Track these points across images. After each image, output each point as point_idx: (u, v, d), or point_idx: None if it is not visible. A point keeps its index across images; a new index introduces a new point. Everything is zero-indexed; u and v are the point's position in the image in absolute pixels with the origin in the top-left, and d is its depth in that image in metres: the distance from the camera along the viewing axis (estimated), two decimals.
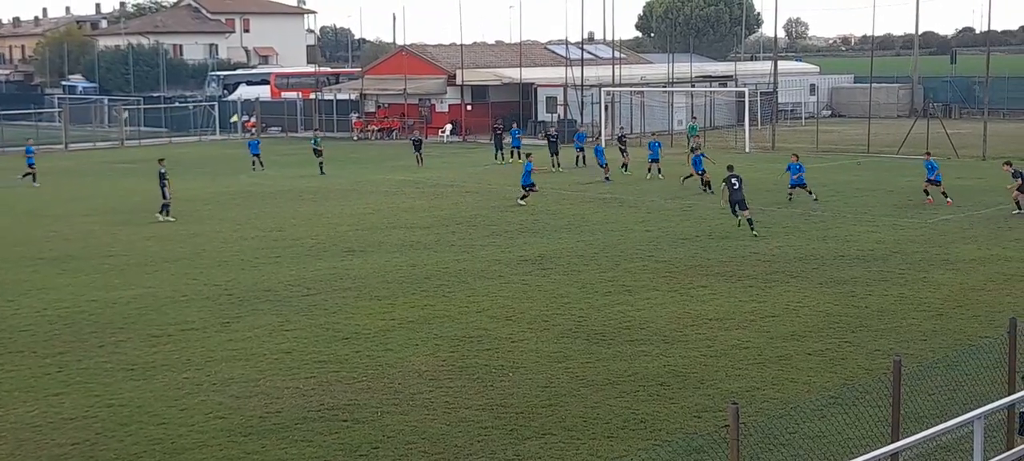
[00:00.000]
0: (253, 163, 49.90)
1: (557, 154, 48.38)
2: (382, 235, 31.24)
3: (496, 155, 52.90)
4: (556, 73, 70.80)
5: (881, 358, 17.61)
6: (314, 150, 49.88)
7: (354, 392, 16.53)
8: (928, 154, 37.37)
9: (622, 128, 58.10)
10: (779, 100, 68.18)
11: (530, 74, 71.27)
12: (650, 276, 24.73)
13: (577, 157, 49.72)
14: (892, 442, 11.31)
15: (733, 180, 30.41)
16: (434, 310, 21.77)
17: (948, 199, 34.67)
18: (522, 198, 36.17)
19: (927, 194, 34.97)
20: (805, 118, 73.98)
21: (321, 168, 48.31)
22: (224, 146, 65.97)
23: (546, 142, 50.74)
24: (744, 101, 59.26)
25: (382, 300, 22.72)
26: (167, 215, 34.43)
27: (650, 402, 15.88)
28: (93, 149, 66.55)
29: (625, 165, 46.43)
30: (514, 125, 56.26)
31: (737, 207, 30.27)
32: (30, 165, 46.59)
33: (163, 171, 35.10)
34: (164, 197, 34.72)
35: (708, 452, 13.44)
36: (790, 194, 35.97)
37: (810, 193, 35.40)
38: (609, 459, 13.77)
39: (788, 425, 14.51)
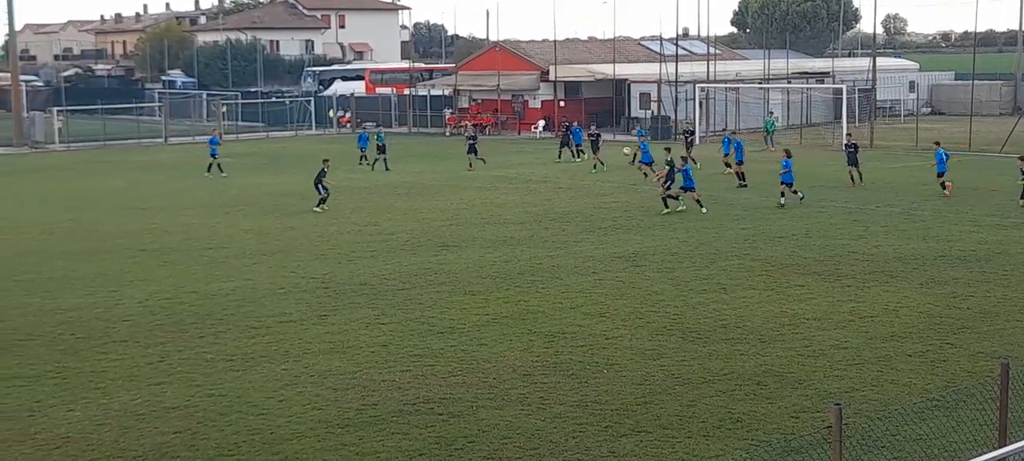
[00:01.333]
0: (361, 159, 49.97)
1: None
2: (476, 230, 31.35)
3: (560, 154, 52.16)
4: (650, 69, 70.43)
5: (984, 360, 17.24)
6: (378, 146, 49.64)
7: (449, 386, 16.61)
8: (937, 143, 38.29)
9: (688, 123, 57.85)
10: (877, 97, 67.05)
11: (623, 70, 70.99)
12: (746, 274, 24.49)
13: (576, 150, 50.78)
14: (1000, 447, 11.05)
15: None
16: (528, 306, 21.78)
17: (946, 190, 36.01)
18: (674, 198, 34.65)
19: (944, 186, 36.18)
20: (904, 116, 72.67)
21: (386, 164, 48.27)
22: (319, 141, 66.69)
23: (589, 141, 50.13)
24: (842, 98, 58.42)
25: (476, 295, 22.80)
26: (323, 207, 35.44)
27: (747, 401, 15.72)
28: (192, 143, 67.70)
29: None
30: (575, 123, 55.79)
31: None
32: (213, 156, 47.17)
33: (325, 169, 36.32)
34: (320, 191, 35.75)
35: (807, 453, 13.25)
36: (943, 184, 36.34)
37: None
38: (705, 458, 13.66)
39: (889, 427, 14.26)
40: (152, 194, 41.34)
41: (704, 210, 33.25)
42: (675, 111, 64.88)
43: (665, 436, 14.39)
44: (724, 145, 45.36)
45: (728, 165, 43.03)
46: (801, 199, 34.91)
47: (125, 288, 23.94)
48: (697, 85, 63.59)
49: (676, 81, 65.72)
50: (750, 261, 26.01)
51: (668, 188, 34.62)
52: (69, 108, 73.62)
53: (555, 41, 74.45)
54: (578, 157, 51.01)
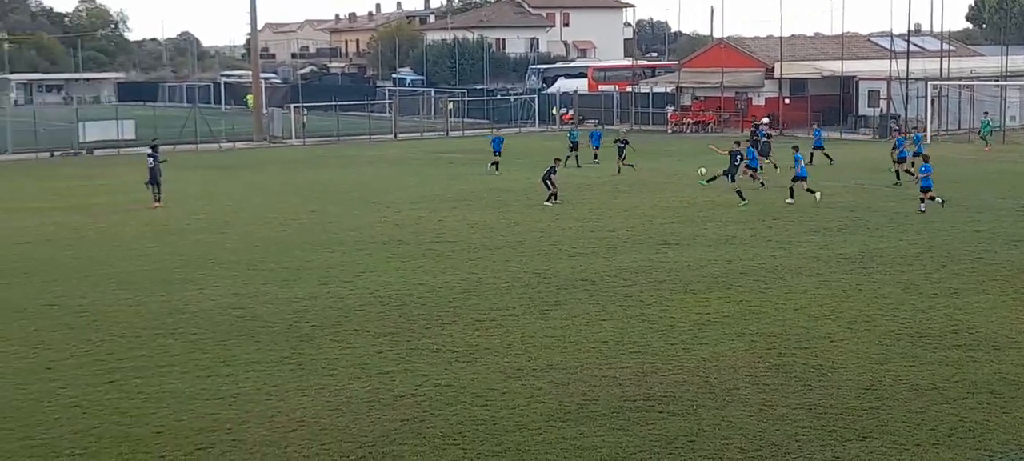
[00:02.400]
0: (594, 156, 50.31)
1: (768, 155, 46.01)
2: (697, 228, 31.20)
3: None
4: (879, 66, 68.47)
5: None
6: (571, 143, 49.79)
7: (669, 384, 16.63)
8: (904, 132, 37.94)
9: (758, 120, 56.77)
10: None
11: (851, 67, 69.22)
12: (979, 278, 23.62)
13: (594, 153, 49.54)
14: None
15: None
16: (750, 306, 21.58)
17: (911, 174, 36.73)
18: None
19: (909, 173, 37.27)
20: None
21: (577, 161, 48.35)
22: (543, 138, 67.42)
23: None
24: None
25: (697, 294, 22.72)
26: (554, 201, 36.12)
27: (979, 410, 15.20)
28: (420, 139, 69.50)
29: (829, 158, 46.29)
30: (595, 125, 54.38)
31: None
32: (496, 153, 47.97)
33: (555, 167, 37.03)
34: (549, 187, 36.41)
35: None
36: None
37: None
38: None
39: None
40: (382, 188, 42.64)
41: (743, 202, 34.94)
42: (905, 109, 62.89)
43: (892, 443, 14.07)
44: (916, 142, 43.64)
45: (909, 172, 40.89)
46: (942, 204, 33.39)
47: (357, 279, 24.82)
48: (929, 83, 61.44)
49: (907, 78, 63.69)
50: (984, 265, 25.06)
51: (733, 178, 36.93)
52: (305, 105, 76.67)
53: (781, 37, 73.17)
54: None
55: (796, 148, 37.27)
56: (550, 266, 25.97)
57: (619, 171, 45.37)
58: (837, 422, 14.86)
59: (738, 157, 38.46)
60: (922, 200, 33.44)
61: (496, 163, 47.30)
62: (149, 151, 38.93)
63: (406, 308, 21.86)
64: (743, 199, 35.22)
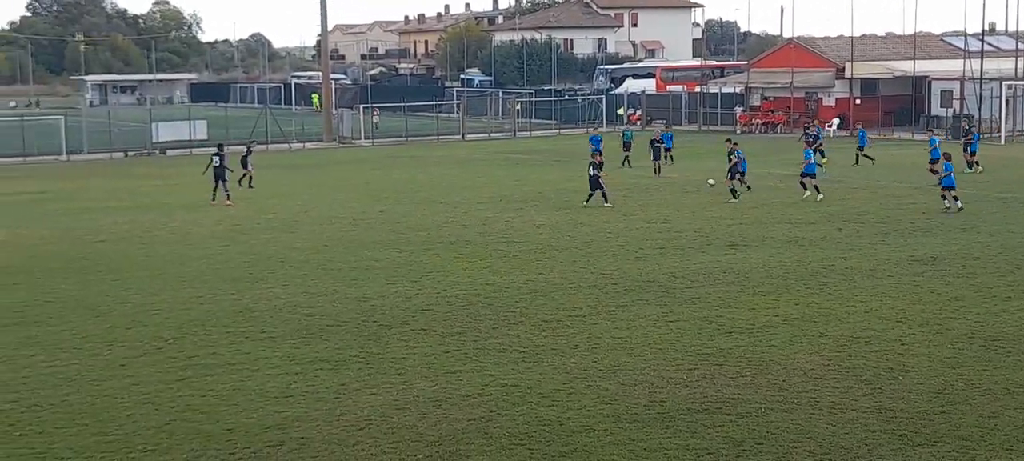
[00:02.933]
0: (667, 156, 50.21)
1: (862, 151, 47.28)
2: (766, 229, 30.96)
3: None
4: (952, 66, 67.49)
5: None
6: (624, 143, 49.87)
7: (737, 387, 16.53)
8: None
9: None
10: None
11: (923, 67, 68.32)
12: None
13: (624, 158, 48.90)
14: None
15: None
16: (819, 308, 21.38)
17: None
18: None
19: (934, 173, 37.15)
20: None
21: (628, 163, 48.42)
22: (609, 139, 67.18)
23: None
24: None
25: (766, 295, 22.55)
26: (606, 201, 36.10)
27: None
28: (487, 139, 69.67)
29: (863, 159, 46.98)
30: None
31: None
32: (597, 152, 48.32)
33: (597, 165, 36.97)
34: (594, 187, 36.42)
35: None
36: None
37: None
38: None
39: None
40: (450, 188, 42.82)
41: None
42: (979, 109, 61.94)
43: (964, 448, 13.86)
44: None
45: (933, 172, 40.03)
46: (960, 208, 32.98)
47: (424, 279, 24.94)
48: (1003, 83, 60.43)
49: (981, 78, 62.70)
50: None
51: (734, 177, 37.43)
52: (374, 105, 77.20)
53: (852, 37, 72.45)
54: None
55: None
56: (617, 267, 25.91)
57: (658, 171, 45.46)
58: (908, 426, 14.68)
59: (732, 156, 38.21)
60: (944, 197, 33.71)
61: (627, 158, 48.79)
62: (215, 151, 39.58)
63: (473, 308, 21.93)
64: (735, 197, 36.78)
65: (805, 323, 20.20)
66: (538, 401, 16.03)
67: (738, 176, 37.78)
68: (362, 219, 34.63)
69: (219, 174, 38.44)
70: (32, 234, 32.77)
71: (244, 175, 42.94)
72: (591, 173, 36.34)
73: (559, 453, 14.03)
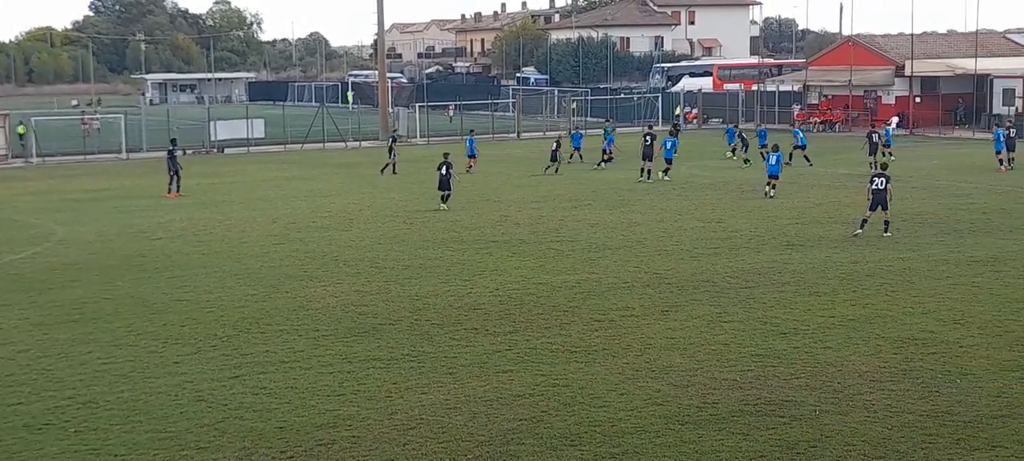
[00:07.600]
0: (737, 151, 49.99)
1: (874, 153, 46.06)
2: (823, 229, 30.65)
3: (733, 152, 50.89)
4: (1015, 63, 66.48)
5: None
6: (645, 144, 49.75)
7: (791, 389, 16.34)
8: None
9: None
10: None
11: (985, 64, 67.31)
12: None
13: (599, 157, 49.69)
14: None
15: (877, 180, 29.37)
16: (876, 309, 21.10)
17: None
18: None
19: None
20: None
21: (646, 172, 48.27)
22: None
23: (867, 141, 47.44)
24: None
25: (821, 296, 22.29)
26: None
27: None
28: (542, 138, 69.50)
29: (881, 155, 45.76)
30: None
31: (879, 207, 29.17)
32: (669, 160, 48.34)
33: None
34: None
35: None
36: None
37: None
38: None
39: None
40: (503, 187, 42.79)
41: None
42: None
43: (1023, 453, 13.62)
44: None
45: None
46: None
47: (477, 278, 24.93)
48: None
49: None
50: None
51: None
52: (429, 104, 77.41)
53: (912, 34, 71.53)
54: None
55: (776, 147, 38.34)
56: (671, 267, 25.75)
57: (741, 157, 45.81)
58: (965, 430, 14.44)
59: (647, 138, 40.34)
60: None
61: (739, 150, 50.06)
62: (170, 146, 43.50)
63: (525, 307, 21.88)
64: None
65: (861, 324, 19.95)
66: (589, 402, 15.94)
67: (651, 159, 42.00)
68: (415, 218, 34.69)
69: (172, 167, 41.88)
70: (90, 231, 33.16)
71: (386, 165, 48.21)
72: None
73: (610, 454, 13.94)
